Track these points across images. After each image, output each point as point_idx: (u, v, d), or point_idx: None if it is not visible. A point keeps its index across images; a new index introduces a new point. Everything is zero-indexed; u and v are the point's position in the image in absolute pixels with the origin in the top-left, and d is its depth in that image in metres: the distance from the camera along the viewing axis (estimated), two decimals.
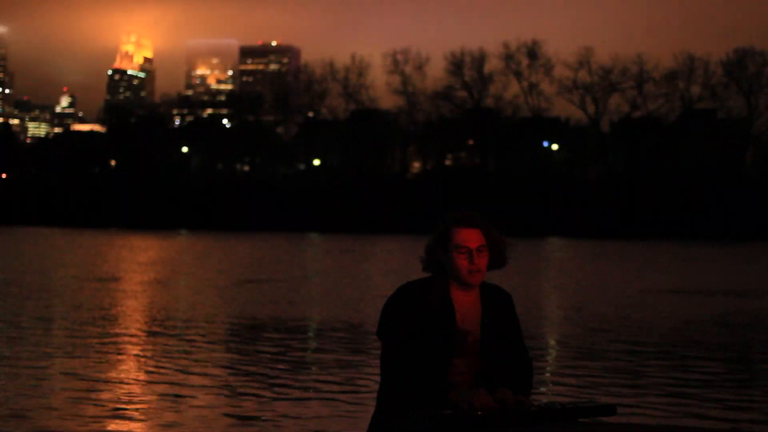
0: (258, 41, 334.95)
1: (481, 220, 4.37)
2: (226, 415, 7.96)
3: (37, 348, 11.62)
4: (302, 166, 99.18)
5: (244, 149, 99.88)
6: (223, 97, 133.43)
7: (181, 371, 10.05)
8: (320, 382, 9.51)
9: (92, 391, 8.86)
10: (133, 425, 7.54)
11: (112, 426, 7.51)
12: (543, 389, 9.25)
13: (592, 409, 4.19)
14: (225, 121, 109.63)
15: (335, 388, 9.17)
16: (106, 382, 9.41)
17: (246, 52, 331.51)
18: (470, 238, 4.32)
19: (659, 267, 34.27)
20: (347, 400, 8.57)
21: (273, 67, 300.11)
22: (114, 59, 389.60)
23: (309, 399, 8.68)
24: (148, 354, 11.38)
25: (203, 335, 13.15)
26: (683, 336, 14.38)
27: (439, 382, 4.19)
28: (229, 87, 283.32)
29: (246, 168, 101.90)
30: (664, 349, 12.80)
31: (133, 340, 12.62)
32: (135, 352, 11.57)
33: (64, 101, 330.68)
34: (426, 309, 4.29)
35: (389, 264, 33.43)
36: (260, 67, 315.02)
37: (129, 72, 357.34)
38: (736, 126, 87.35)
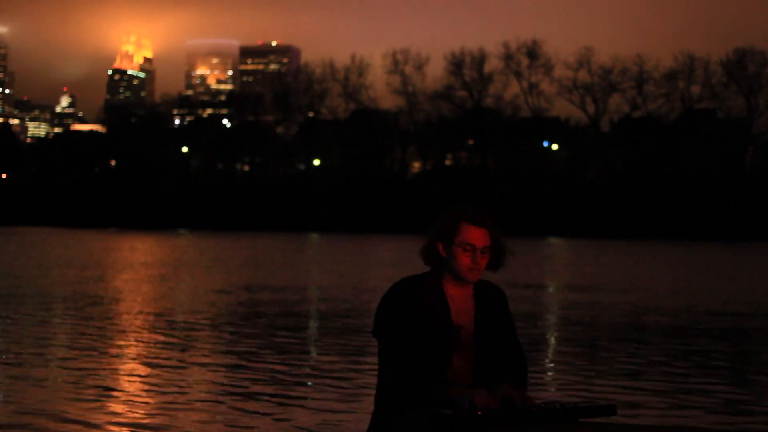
0: (258, 41, 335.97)
1: (489, 221, 4.38)
2: (225, 411, 7.95)
3: (36, 341, 11.63)
4: (302, 166, 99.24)
5: (244, 149, 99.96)
6: (223, 97, 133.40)
7: (179, 368, 10.05)
8: (318, 379, 9.51)
9: (88, 383, 8.86)
10: (128, 419, 7.53)
11: (103, 417, 7.51)
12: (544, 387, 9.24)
13: (593, 410, 4.18)
14: (225, 121, 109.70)
15: (333, 386, 9.17)
16: (102, 373, 9.41)
17: (246, 52, 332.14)
18: (478, 236, 4.33)
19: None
20: (346, 400, 8.56)
21: (273, 67, 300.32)
22: (114, 59, 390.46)
23: (307, 396, 8.68)
24: (146, 348, 11.39)
25: (201, 331, 13.15)
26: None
27: (438, 379, 4.19)
28: (229, 87, 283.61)
29: (246, 168, 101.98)
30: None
31: (131, 335, 12.63)
32: (132, 346, 11.58)
33: (64, 101, 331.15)
34: (420, 305, 4.30)
35: (388, 263, 33.45)
36: (260, 67, 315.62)
37: (129, 72, 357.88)
38: (736, 126, 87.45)
